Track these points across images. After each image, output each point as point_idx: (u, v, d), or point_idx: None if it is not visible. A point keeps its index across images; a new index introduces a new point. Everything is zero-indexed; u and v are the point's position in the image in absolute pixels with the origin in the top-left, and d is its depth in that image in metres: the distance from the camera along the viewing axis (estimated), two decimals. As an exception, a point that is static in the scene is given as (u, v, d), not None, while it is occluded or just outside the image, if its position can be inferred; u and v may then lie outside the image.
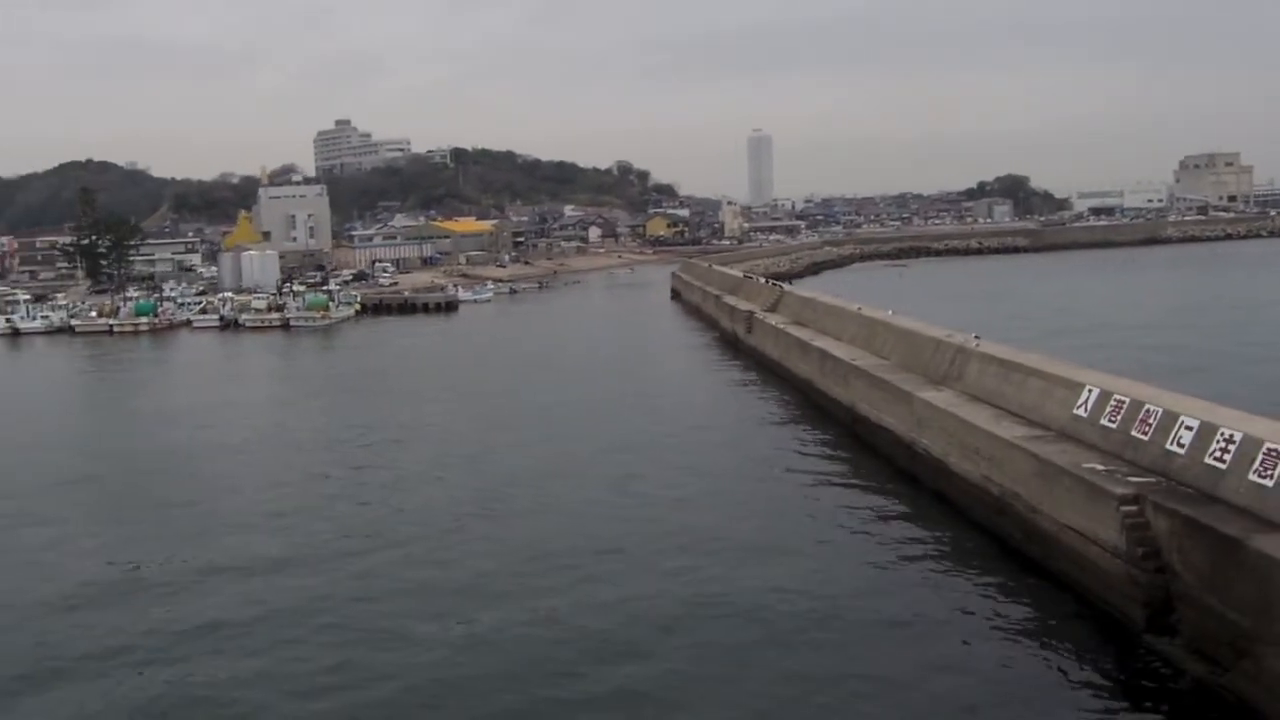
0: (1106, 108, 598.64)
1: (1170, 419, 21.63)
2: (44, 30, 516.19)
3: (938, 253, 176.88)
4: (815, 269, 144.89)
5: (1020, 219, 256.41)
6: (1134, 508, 20.14)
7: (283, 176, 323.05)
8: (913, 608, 21.97)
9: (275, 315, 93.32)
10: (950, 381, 32.88)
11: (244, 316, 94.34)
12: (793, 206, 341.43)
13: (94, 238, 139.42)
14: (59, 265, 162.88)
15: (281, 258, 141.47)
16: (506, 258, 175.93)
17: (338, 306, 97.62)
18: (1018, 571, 23.57)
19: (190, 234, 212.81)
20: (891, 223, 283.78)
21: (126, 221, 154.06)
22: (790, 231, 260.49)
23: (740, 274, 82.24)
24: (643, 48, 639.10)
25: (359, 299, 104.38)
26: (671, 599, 22.76)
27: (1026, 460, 24.43)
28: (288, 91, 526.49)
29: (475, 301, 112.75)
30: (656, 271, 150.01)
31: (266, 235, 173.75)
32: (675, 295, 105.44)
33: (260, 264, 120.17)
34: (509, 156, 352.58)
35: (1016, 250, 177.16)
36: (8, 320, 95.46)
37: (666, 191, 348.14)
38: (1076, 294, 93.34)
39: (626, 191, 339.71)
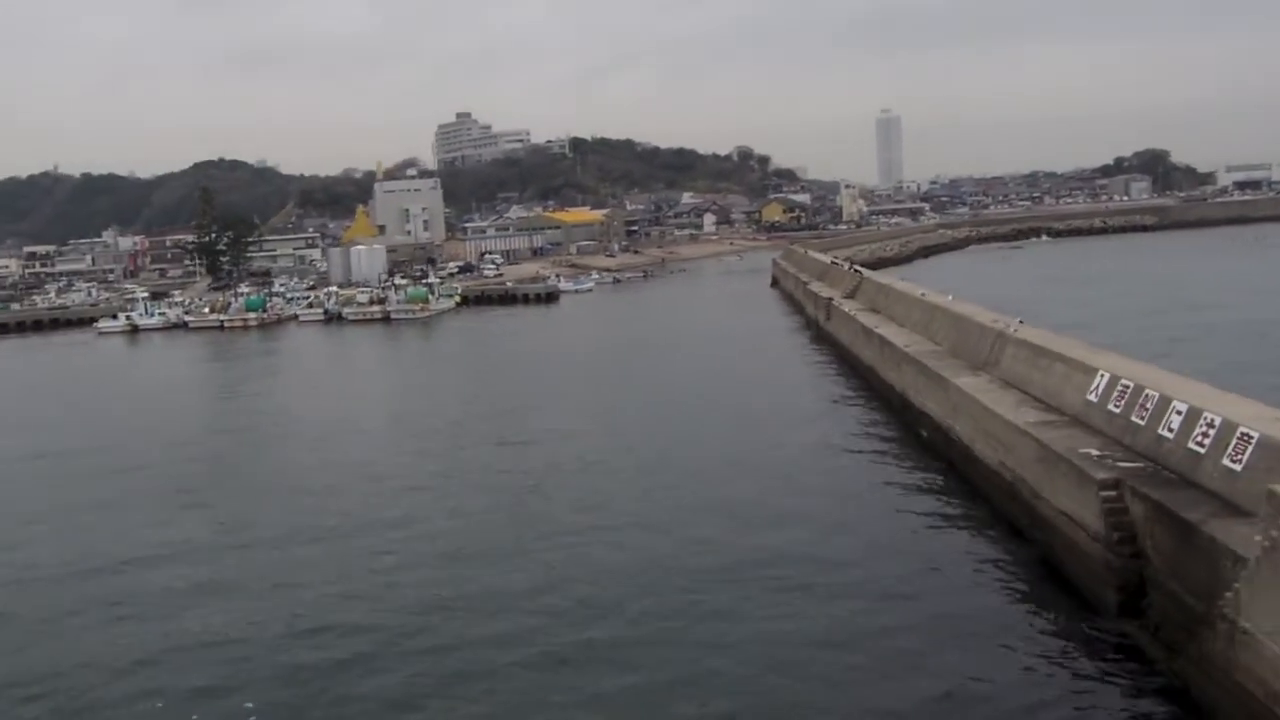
0: (1267, 80, 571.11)
1: (1164, 403, 21.44)
2: (181, 35, 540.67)
3: (1058, 233, 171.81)
4: (925, 253, 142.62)
5: (1159, 195, 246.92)
6: (1113, 493, 20.12)
7: (402, 170, 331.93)
8: (912, 584, 22.56)
9: (376, 308, 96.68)
10: (989, 367, 32.74)
11: (347, 310, 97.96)
12: (918, 189, 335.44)
13: (212, 236, 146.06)
14: (186, 263, 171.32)
15: (392, 251, 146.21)
16: (616, 247, 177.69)
17: (438, 299, 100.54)
18: (1026, 557, 23.63)
19: (311, 229, 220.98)
20: (1021, 203, 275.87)
21: (244, 220, 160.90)
22: (914, 214, 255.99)
23: (829, 260, 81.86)
24: (763, 32, 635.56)
25: (460, 291, 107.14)
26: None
27: (1030, 446, 24.43)
28: (414, 85, 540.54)
29: (576, 292, 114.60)
30: (766, 258, 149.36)
31: (382, 229, 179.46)
32: (774, 282, 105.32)
33: (368, 258, 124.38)
34: (628, 145, 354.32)
35: (1143, 229, 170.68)
36: (127, 318, 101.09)
37: (787, 176, 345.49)
38: (1185, 276, 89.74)
39: (746, 178, 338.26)
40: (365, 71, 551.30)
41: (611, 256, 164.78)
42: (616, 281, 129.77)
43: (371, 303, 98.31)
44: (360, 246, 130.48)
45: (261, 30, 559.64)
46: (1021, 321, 34.18)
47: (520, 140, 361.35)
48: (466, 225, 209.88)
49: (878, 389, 43.38)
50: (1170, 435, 20.75)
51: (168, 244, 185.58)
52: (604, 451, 36.97)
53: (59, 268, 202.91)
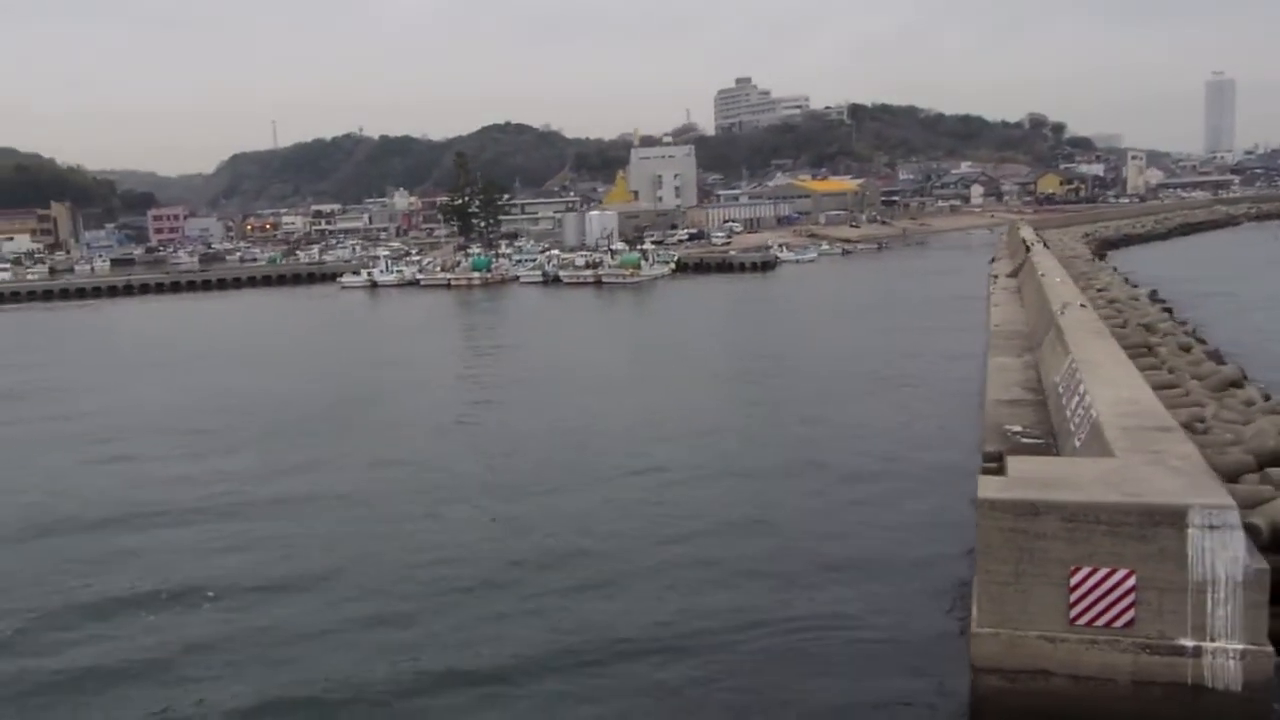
0: None
1: (1079, 386, 22.53)
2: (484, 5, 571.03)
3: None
4: (1185, 230, 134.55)
5: None
6: (994, 465, 21.48)
7: (681, 135, 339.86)
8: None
9: (590, 272, 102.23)
10: (1034, 349, 33.46)
11: (563, 273, 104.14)
12: (1231, 160, 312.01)
13: (465, 198, 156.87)
14: (452, 224, 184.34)
15: (634, 217, 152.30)
16: (863, 218, 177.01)
17: (651, 265, 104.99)
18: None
19: (572, 194, 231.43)
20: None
21: (495, 183, 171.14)
22: (1221, 187, 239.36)
23: (1024, 237, 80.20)
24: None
25: (676, 257, 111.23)
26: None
27: (986, 421, 25.74)
28: (701, 51, 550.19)
29: (798, 262, 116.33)
30: (1023, 232, 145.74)
31: (636, 194, 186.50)
32: (994, 259, 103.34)
33: (599, 222, 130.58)
34: (910, 112, 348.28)
35: None
36: (368, 274, 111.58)
37: (1081, 145, 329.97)
38: None
39: (1035, 146, 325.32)
40: (654, 38, 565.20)
41: (855, 227, 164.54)
42: (846, 252, 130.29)
43: (587, 266, 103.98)
44: (594, 212, 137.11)
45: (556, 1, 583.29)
46: (1083, 305, 34.51)
47: (798, 106, 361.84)
48: (720, 193, 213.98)
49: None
50: (1068, 415, 21.92)
51: (438, 205, 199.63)
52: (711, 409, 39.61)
53: (339, 225, 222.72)
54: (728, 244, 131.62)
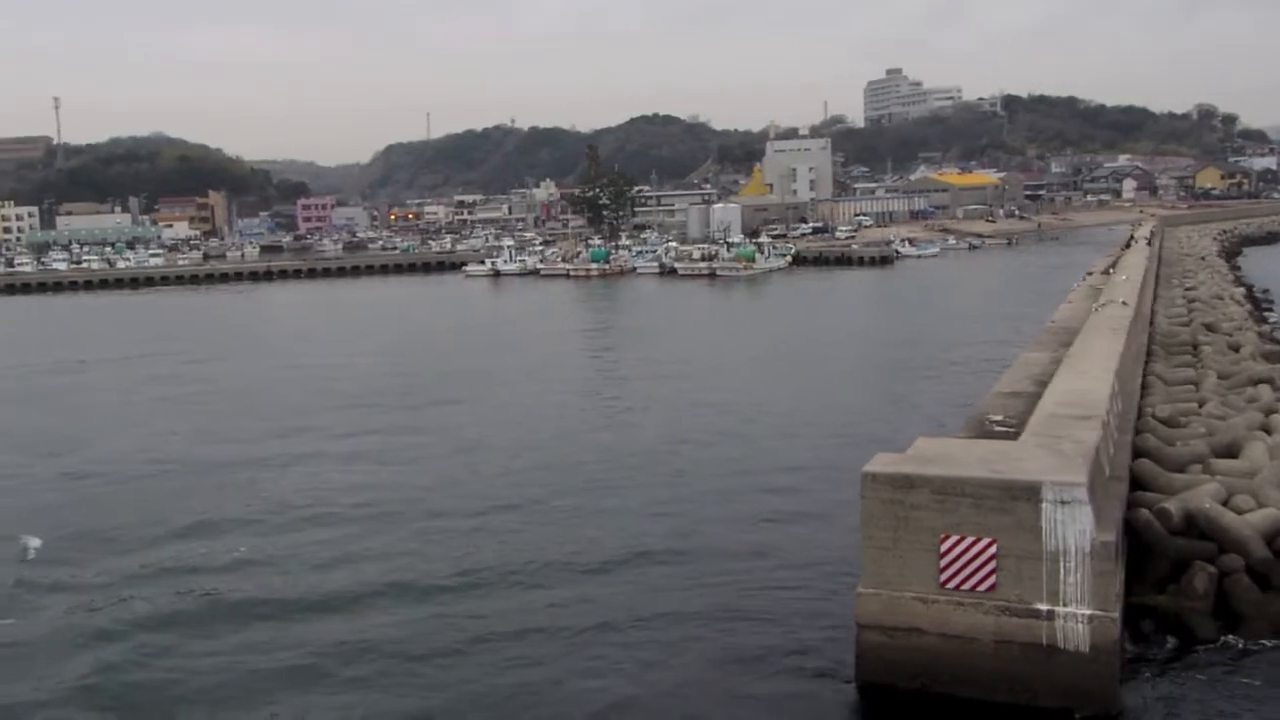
0: None
1: (1054, 376, 23.79)
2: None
3: None
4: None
5: None
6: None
7: (828, 127, 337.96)
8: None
9: (704, 264, 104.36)
10: (1059, 347, 34.28)
11: (679, 265, 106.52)
12: None
13: (596, 191, 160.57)
14: (587, 214, 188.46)
15: (763, 210, 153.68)
16: (1000, 212, 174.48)
17: (767, 258, 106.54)
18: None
19: (708, 186, 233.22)
20: None
21: (624, 175, 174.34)
22: None
23: (1134, 234, 79.08)
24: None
25: (793, 251, 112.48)
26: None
27: (974, 410, 27.04)
28: (858, 41, 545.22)
29: (919, 256, 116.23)
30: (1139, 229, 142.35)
31: (770, 187, 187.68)
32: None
33: (721, 215, 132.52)
34: (1068, 103, 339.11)
35: None
36: (492, 264, 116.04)
37: (1255, 138, 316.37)
38: None
39: (1203, 138, 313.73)
40: (803, 27, 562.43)
41: (991, 221, 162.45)
42: (973, 247, 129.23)
43: (702, 258, 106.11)
44: (718, 205, 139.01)
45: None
46: (1124, 303, 35.14)
47: (950, 97, 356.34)
48: (857, 186, 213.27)
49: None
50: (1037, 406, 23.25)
51: (569, 197, 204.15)
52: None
53: (480, 215, 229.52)
54: (851, 238, 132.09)
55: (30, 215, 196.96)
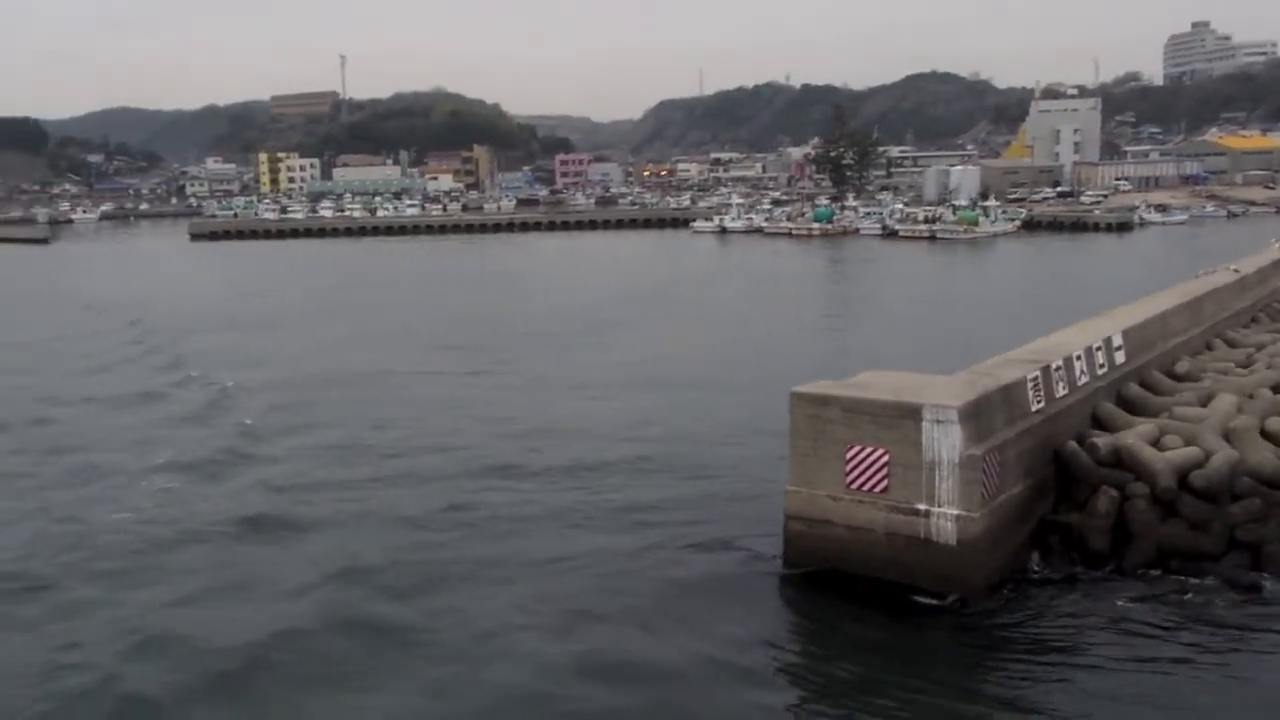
0: None
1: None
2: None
3: None
4: None
5: None
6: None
7: (1123, 84, 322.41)
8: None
9: (924, 227, 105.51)
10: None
11: (900, 227, 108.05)
12: None
13: (841, 150, 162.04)
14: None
15: (1014, 173, 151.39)
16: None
17: (992, 221, 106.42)
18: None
19: (970, 146, 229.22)
20: None
21: (868, 136, 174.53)
22: None
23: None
24: None
25: (1023, 215, 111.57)
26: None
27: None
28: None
29: (1164, 224, 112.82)
30: None
31: (1031, 149, 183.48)
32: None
33: (962, 177, 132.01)
34: None
35: None
36: (719, 221, 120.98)
37: None
38: None
39: None
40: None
41: (1270, 189, 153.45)
42: (1232, 215, 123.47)
43: (924, 221, 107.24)
44: (957, 167, 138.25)
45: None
46: (1235, 270, 36.37)
47: (1263, 53, 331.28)
48: (1128, 149, 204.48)
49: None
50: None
51: (812, 157, 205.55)
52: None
53: (733, 173, 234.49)
54: (1096, 203, 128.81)
55: (312, 166, 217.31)
